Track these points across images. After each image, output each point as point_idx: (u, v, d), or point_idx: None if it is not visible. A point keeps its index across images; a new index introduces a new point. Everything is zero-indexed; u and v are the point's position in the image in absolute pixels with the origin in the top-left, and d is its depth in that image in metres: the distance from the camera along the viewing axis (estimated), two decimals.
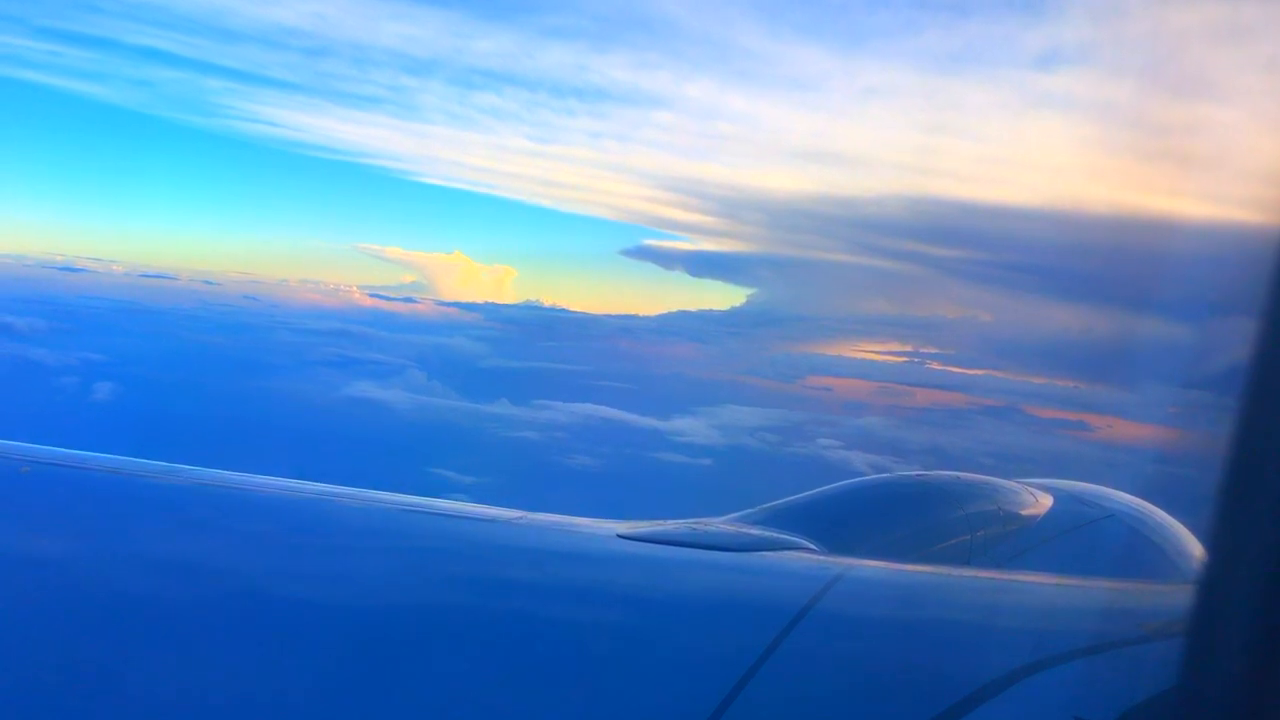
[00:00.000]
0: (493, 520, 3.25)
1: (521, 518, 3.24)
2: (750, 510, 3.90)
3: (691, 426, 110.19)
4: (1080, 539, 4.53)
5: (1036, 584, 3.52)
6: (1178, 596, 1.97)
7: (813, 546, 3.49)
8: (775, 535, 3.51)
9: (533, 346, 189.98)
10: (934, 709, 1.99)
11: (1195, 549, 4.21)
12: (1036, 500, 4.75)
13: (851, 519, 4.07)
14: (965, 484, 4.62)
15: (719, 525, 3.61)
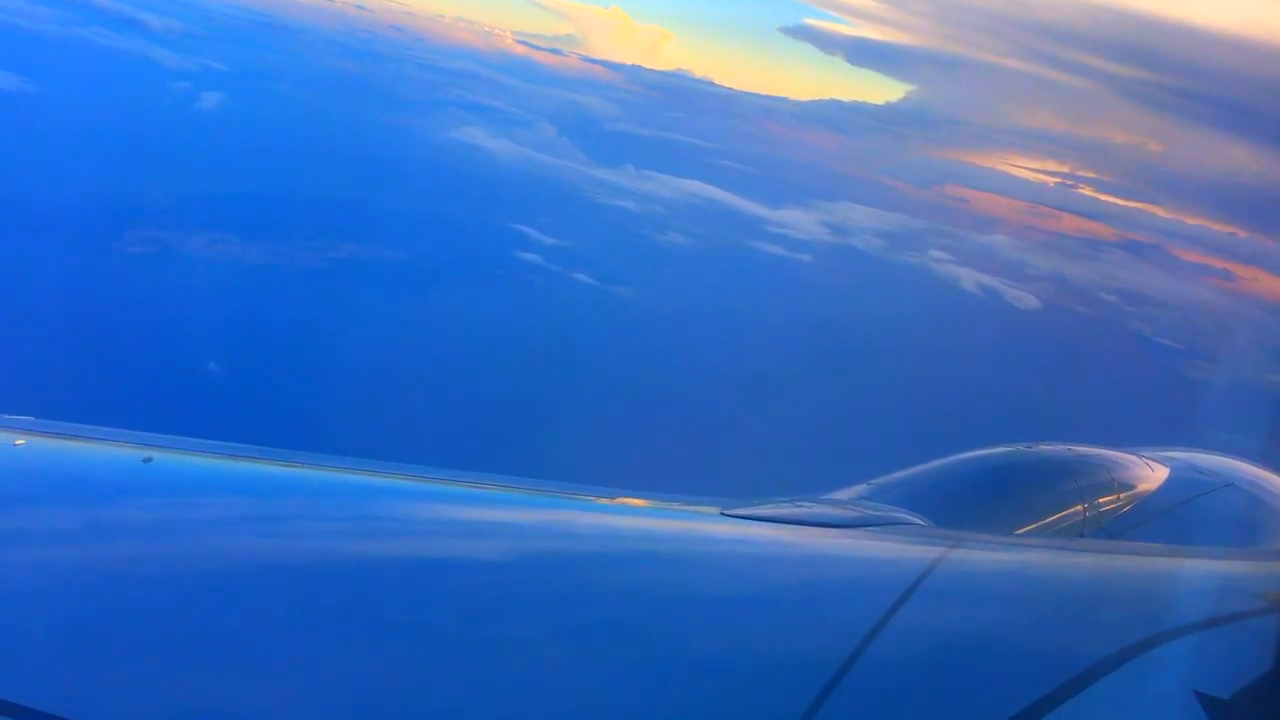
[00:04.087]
0: (593, 499, 3.27)
1: (621, 496, 3.22)
2: (858, 486, 3.91)
3: (799, 219, 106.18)
4: (1198, 510, 4.53)
5: (1153, 556, 3.50)
6: None
7: (922, 522, 3.51)
8: (884, 511, 3.52)
9: (668, 116, 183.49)
10: (1052, 683, 1.99)
11: None
12: (1152, 471, 4.73)
13: (961, 493, 4.09)
14: (1078, 457, 4.61)
15: (825, 502, 3.61)
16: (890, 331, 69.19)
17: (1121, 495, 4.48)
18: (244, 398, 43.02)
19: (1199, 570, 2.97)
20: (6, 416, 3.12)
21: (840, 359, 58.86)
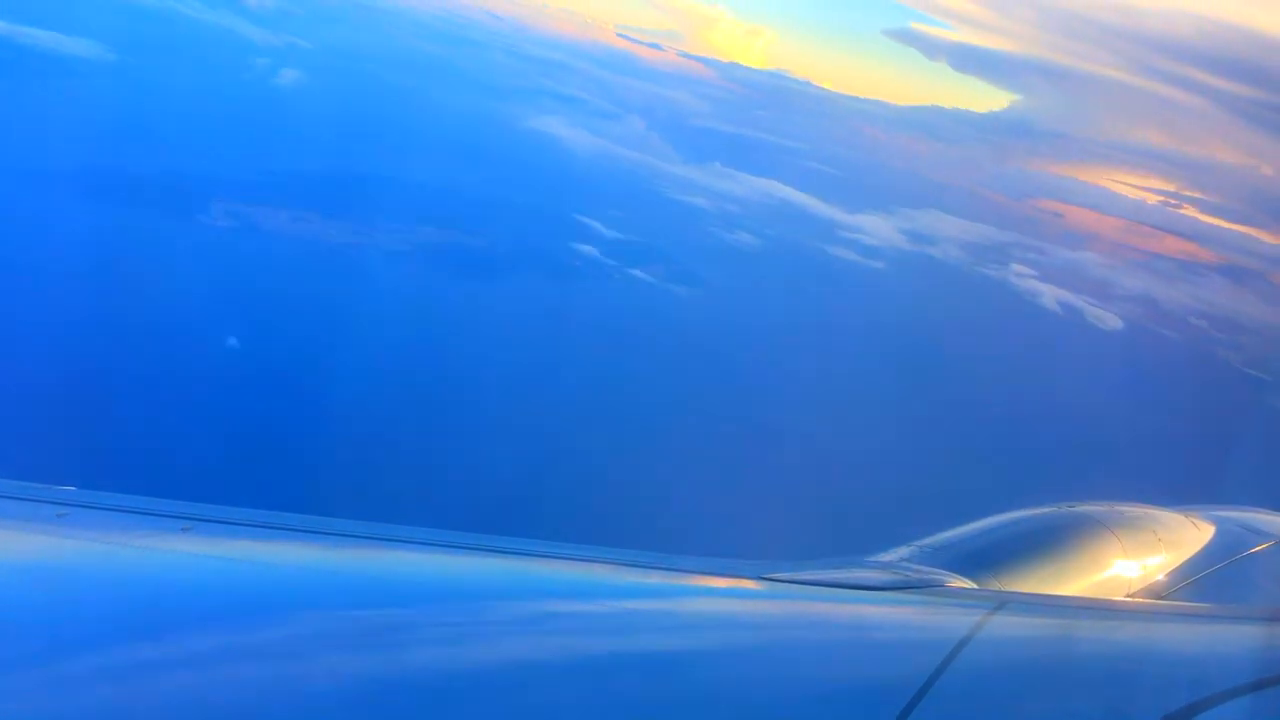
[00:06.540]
0: (631, 567, 3.21)
1: (660, 562, 3.19)
2: (900, 548, 3.94)
3: (877, 225, 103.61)
4: (1248, 568, 4.55)
5: (1201, 616, 3.43)
6: None
7: (967, 583, 3.55)
8: (928, 573, 3.56)
9: (758, 114, 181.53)
10: None
11: None
12: (1200, 530, 4.78)
13: (1006, 554, 4.09)
14: (1125, 516, 4.62)
15: (868, 565, 3.63)
16: (954, 345, 66.85)
17: (1170, 554, 4.46)
18: (298, 376, 42.92)
19: (1248, 629, 2.95)
20: (49, 487, 3.16)
21: (896, 371, 56.66)
